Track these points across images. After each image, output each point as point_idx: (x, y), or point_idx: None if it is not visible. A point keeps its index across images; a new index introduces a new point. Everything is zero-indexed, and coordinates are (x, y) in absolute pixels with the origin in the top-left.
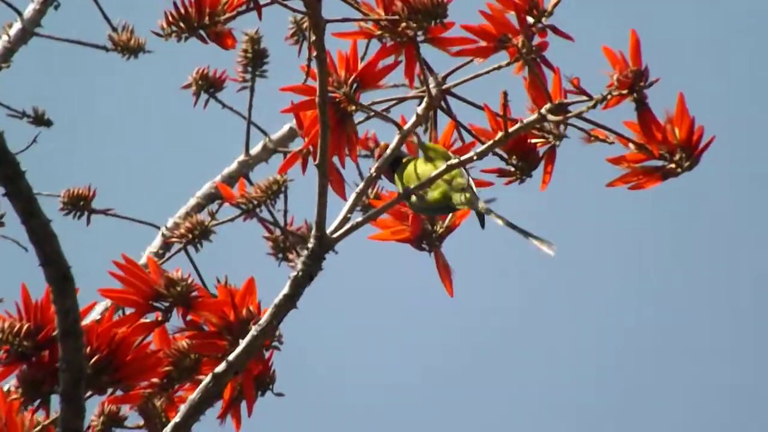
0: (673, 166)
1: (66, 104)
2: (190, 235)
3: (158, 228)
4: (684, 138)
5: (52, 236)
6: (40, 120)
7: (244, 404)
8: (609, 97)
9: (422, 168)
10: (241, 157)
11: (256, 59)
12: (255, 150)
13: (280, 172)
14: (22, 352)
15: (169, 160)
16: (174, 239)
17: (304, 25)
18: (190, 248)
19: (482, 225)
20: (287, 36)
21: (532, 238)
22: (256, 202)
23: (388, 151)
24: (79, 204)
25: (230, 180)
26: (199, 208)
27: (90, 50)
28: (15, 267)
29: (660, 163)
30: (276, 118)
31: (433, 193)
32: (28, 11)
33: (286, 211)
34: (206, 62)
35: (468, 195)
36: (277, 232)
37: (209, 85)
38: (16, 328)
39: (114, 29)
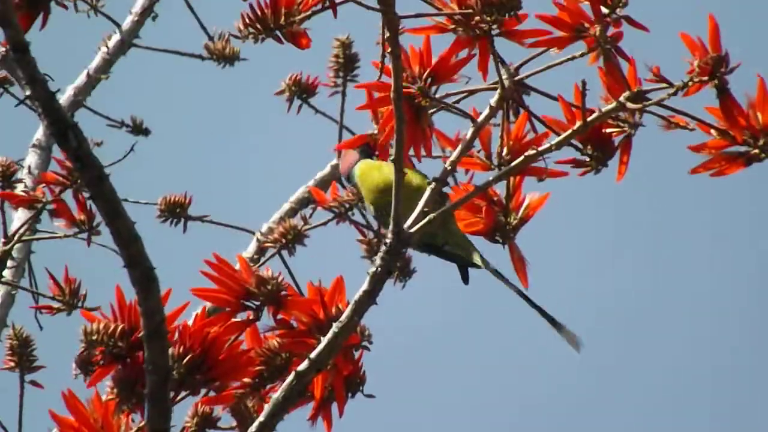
0: (756, 151)
1: (163, 113)
2: (284, 240)
3: (253, 233)
4: (767, 122)
5: (136, 238)
6: (138, 129)
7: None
8: (690, 83)
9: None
10: (334, 161)
11: (347, 64)
12: None
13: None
14: (117, 353)
15: (263, 166)
16: (268, 244)
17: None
18: (285, 252)
19: (466, 280)
20: (378, 41)
21: (558, 328)
22: (348, 206)
23: (462, 144)
24: (175, 211)
25: (323, 184)
26: (292, 212)
27: (186, 59)
28: (113, 275)
29: (743, 148)
30: (367, 122)
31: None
32: (127, 23)
33: None
34: (298, 68)
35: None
36: (371, 234)
37: (302, 91)
38: (110, 330)
39: (210, 38)
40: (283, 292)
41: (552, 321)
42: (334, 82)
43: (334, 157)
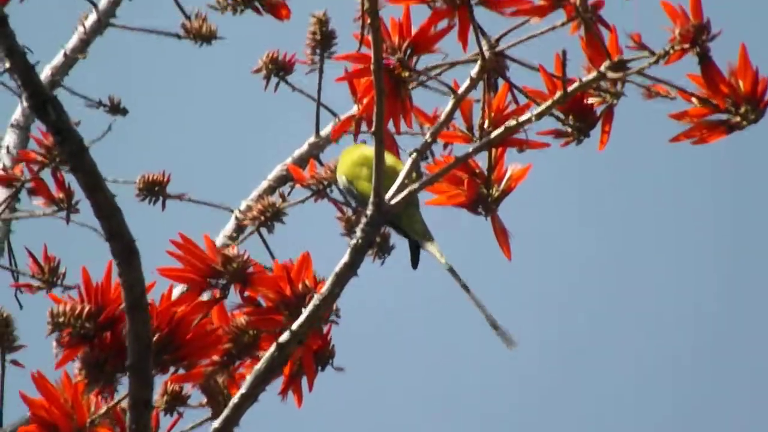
0: (738, 119)
1: (141, 92)
2: (263, 217)
3: (231, 211)
4: (749, 90)
5: (116, 210)
6: (115, 108)
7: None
8: (671, 51)
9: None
10: (312, 139)
11: (325, 41)
12: (325, 131)
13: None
14: (84, 334)
15: (240, 144)
16: (247, 222)
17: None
18: (264, 230)
19: (415, 264)
20: (356, 17)
21: (494, 326)
22: (326, 183)
23: (443, 116)
24: (154, 189)
25: (301, 162)
26: (270, 190)
27: (163, 38)
28: (92, 253)
29: (724, 116)
30: (345, 99)
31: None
32: (103, 2)
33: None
34: (275, 46)
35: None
36: (349, 212)
37: (279, 69)
38: (77, 311)
39: (187, 17)
40: (250, 270)
41: (491, 321)
42: (311, 60)
43: (311, 135)
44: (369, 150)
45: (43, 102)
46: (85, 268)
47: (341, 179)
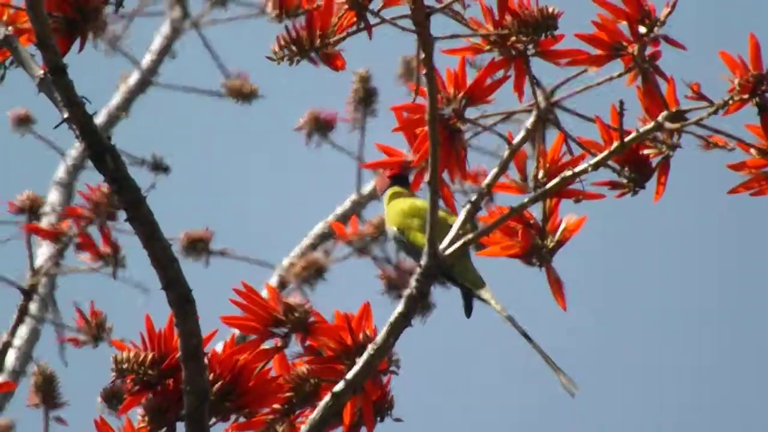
0: None
1: (183, 150)
2: (305, 274)
3: (274, 267)
4: None
5: (173, 260)
6: (158, 167)
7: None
8: (730, 102)
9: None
10: (354, 196)
11: (366, 98)
12: (367, 189)
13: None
14: (147, 381)
15: (282, 201)
16: (290, 278)
17: (413, 63)
18: (306, 287)
19: (468, 313)
20: (398, 75)
21: (555, 369)
22: (369, 240)
23: (498, 166)
24: (197, 246)
25: (343, 219)
26: (312, 247)
27: (205, 97)
28: (138, 307)
29: None
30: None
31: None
32: (146, 62)
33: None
34: (317, 103)
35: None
36: (390, 270)
37: (320, 126)
38: (141, 358)
39: (228, 77)
40: (311, 319)
41: (552, 365)
42: (353, 117)
43: (353, 192)
44: (418, 200)
45: (101, 152)
46: (148, 315)
47: (390, 230)
